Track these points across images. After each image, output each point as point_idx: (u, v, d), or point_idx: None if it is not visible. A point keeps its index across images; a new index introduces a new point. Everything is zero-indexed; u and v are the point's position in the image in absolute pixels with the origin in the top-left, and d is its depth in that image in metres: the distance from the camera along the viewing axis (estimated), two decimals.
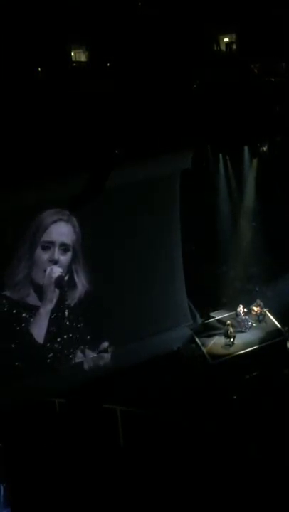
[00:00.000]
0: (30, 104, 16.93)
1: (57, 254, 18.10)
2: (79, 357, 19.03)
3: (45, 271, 18.05)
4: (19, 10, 17.64)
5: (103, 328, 19.12)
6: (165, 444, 15.18)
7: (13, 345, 18.10)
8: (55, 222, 17.98)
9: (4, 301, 17.83)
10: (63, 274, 18.31)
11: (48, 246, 17.99)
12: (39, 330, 18.41)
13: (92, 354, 19.12)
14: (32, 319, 18.28)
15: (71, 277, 18.52)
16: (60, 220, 18.06)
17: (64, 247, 18.23)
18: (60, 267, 18.22)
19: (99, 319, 19.00)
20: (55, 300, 18.42)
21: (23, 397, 17.00)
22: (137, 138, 17.57)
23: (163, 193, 19.45)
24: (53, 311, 18.49)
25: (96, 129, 17.19)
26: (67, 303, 18.65)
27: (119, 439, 15.74)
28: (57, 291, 18.38)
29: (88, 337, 19.08)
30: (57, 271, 18.17)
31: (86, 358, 19.06)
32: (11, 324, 18.04)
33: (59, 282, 18.30)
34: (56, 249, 18.07)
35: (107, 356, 19.14)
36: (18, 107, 16.73)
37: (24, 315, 18.14)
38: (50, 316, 18.49)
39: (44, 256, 17.98)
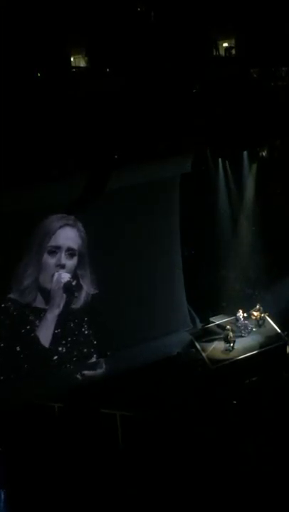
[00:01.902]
0: (30, 107, 16.95)
1: (63, 258, 18.25)
2: (82, 360, 19.05)
3: (52, 275, 18.18)
4: (19, 12, 17.64)
5: (103, 332, 19.10)
6: (165, 448, 15.14)
7: (18, 348, 18.19)
8: (61, 227, 18.15)
9: (12, 304, 17.94)
10: (71, 280, 18.43)
11: (54, 251, 18.14)
12: (46, 334, 18.51)
13: (94, 358, 19.16)
14: (39, 323, 18.39)
15: (77, 282, 18.63)
16: (67, 225, 18.23)
17: (70, 252, 18.37)
18: (67, 272, 18.34)
19: (99, 324, 19.02)
20: (62, 305, 18.56)
21: (23, 402, 16.95)
22: (137, 142, 17.62)
23: (162, 198, 19.48)
24: (59, 316, 18.59)
25: (96, 133, 17.22)
26: (73, 307, 18.75)
27: (119, 443, 15.69)
28: (64, 296, 18.52)
29: (90, 340, 19.12)
30: (65, 276, 18.34)
31: (87, 361, 19.06)
32: (17, 326, 18.14)
33: (67, 287, 18.44)
34: (63, 253, 18.22)
35: (106, 361, 19.12)
36: (18, 111, 16.75)
37: (31, 318, 18.26)
38: (57, 321, 18.58)
39: (51, 261, 18.13)
